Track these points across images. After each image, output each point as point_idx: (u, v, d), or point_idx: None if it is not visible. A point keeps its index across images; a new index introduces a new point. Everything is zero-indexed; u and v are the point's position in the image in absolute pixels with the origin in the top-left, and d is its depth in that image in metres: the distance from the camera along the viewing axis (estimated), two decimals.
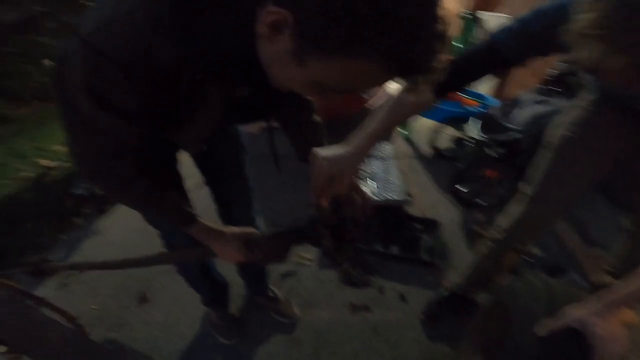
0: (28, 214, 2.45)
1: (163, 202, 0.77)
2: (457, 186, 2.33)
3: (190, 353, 1.51)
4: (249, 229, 0.86)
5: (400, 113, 0.88)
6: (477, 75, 0.94)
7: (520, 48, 0.86)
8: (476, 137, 2.27)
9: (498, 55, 0.88)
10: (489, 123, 2.28)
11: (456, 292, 1.59)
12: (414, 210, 2.28)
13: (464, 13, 3.94)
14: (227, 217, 1.28)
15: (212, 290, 1.47)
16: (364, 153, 0.83)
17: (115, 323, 1.63)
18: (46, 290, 1.82)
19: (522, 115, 2.25)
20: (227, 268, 1.72)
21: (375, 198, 2.13)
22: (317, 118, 0.97)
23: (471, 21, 3.84)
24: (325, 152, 0.82)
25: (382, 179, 2.36)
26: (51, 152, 3.29)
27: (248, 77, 0.63)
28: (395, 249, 1.98)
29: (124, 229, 2.19)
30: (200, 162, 1.16)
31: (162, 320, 1.64)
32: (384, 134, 0.90)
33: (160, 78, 0.56)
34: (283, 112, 0.97)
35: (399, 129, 3.35)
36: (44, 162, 3.18)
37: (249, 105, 0.80)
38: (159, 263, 1.18)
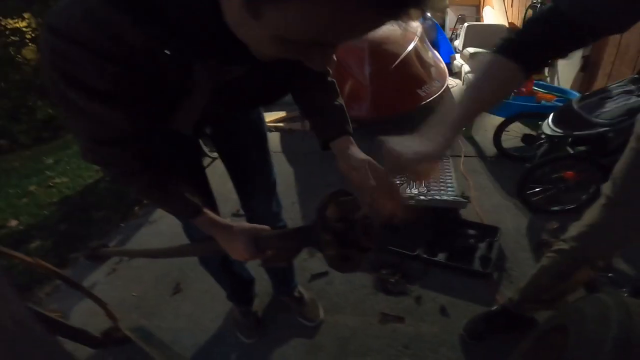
0: (100, 204, 2.73)
1: (167, 191, 0.74)
2: (526, 189, 2.02)
3: (208, 348, 1.50)
4: (260, 226, 0.80)
5: (484, 98, 0.70)
6: (555, 46, 0.66)
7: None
8: (552, 133, 1.99)
9: (564, 17, 0.61)
10: (569, 117, 1.98)
11: (509, 308, 1.34)
12: (470, 215, 2.04)
13: (534, 2, 3.54)
14: (249, 211, 1.24)
15: (234, 285, 1.44)
16: (447, 147, 0.71)
17: (148, 311, 1.71)
18: (99, 274, 1.99)
19: (612, 108, 1.90)
20: (255, 264, 1.71)
21: (422, 198, 1.93)
22: (339, 101, 0.87)
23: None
24: (402, 145, 0.70)
25: (434, 178, 2.15)
26: None
27: (226, 51, 0.56)
28: (443, 256, 1.77)
29: (173, 219, 2.29)
30: (222, 152, 1.13)
31: (189, 312, 1.66)
32: (466, 124, 0.77)
33: (133, 57, 0.54)
34: (296, 95, 0.89)
35: None
36: None
37: (249, 88, 0.74)
38: (169, 256, 1.18)
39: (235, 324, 1.53)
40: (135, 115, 0.62)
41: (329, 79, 0.87)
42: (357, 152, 0.79)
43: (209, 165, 2.88)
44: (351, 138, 0.83)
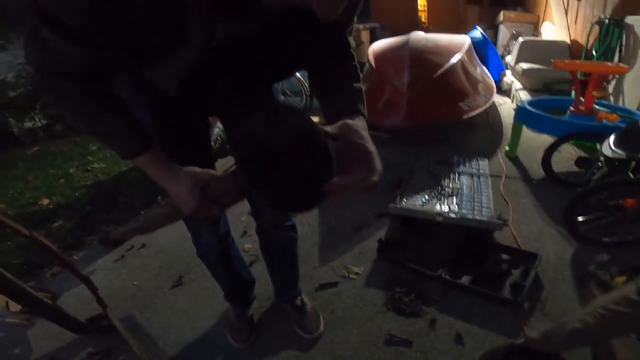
0: (127, 190, 2.80)
1: (109, 123, 0.65)
2: (575, 216, 1.79)
3: (193, 347, 1.42)
4: (211, 172, 0.70)
5: None
6: None
7: None
8: (613, 155, 1.77)
9: None
10: (635, 138, 1.76)
11: (538, 344, 1.12)
12: (506, 239, 1.84)
13: (602, 18, 3.26)
14: (256, 203, 1.16)
15: (232, 284, 1.36)
16: None
17: (144, 302, 1.66)
18: (108, 259, 1.99)
19: None
20: (260, 267, 1.62)
21: (451, 215, 1.75)
22: (359, 85, 0.77)
23: (611, 27, 3.15)
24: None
25: (467, 196, 1.97)
26: None
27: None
28: (467, 280, 1.59)
29: None
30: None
31: (185, 308, 1.60)
32: None
33: None
34: (312, 71, 0.81)
35: (504, 147, 2.84)
36: None
37: (255, 56, 0.68)
38: (140, 232, 1.10)
39: (229, 326, 1.43)
40: (99, 55, 0.57)
41: (353, 62, 0.79)
42: (369, 138, 0.67)
43: (233, 166, 2.87)
44: (365, 122, 0.71)
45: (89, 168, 3.31)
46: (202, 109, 0.92)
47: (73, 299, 1.70)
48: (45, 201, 2.74)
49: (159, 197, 2.62)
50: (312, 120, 0.60)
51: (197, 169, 0.68)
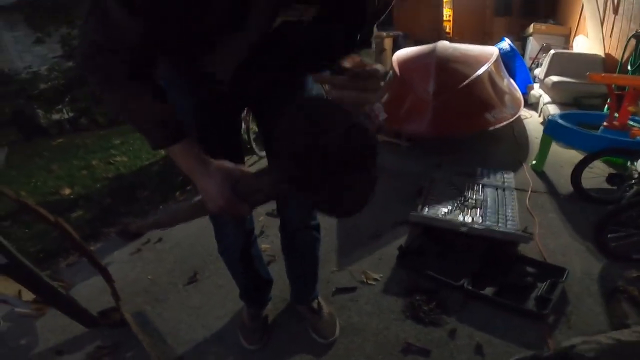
0: (147, 184, 2.83)
1: (149, 108, 0.63)
2: (606, 232, 1.72)
3: (203, 346, 1.39)
4: (244, 169, 0.67)
5: None
6: None
7: None
8: None
9: None
10: None
11: (563, 356, 1.05)
12: (531, 253, 1.78)
13: (638, 31, 3.18)
14: (281, 205, 1.15)
15: (250, 282, 1.33)
16: None
17: (156, 297, 1.65)
18: (124, 252, 1.99)
19: None
20: (276, 268, 1.60)
21: (475, 226, 1.71)
22: None
23: None
24: None
25: (491, 208, 1.94)
26: None
27: None
28: (491, 291, 1.54)
29: None
30: (266, 131, 1.05)
31: (197, 305, 1.57)
32: None
33: None
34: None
35: (530, 161, 2.76)
36: None
37: (307, 40, 0.67)
38: (160, 226, 1.09)
39: (241, 326, 1.40)
40: (159, 31, 0.56)
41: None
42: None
43: (254, 164, 2.87)
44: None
45: (111, 161, 3.38)
46: (241, 99, 0.91)
47: (85, 290, 1.70)
48: (67, 191, 2.79)
49: (177, 193, 2.63)
50: (356, 114, 0.57)
51: (229, 164, 0.66)
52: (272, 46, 0.65)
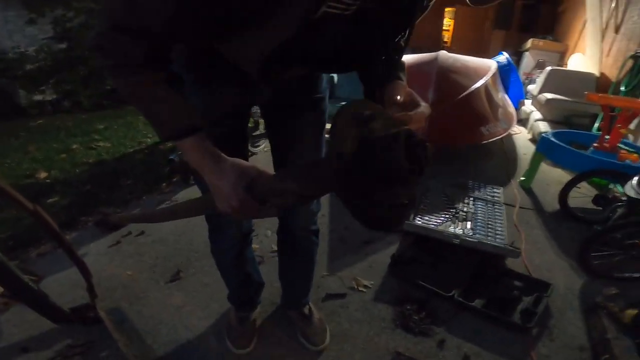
0: (130, 173, 2.72)
1: (162, 97, 0.59)
2: (590, 252, 1.79)
3: (186, 348, 1.32)
4: (261, 170, 0.62)
5: None
6: None
7: None
8: (634, 196, 1.78)
9: None
10: None
11: None
12: (517, 267, 1.81)
13: (638, 52, 3.27)
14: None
15: (241, 285, 1.27)
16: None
17: (135, 294, 1.56)
18: (102, 244, 1.89)
19: None
20: (265, 270, 1.54)
21: (468, 239, 1.71)
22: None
23: None
24: None
25: (482, 222, 1.96)
26: None
27: None
28: (480, 303, 1.55)
29: None
30: (273, 128, 0.99)
31: (180, 305, 1.50)
32: None
33: None
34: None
35: (519, 177, 2.80)
36: None
37: (342, 38, 0.64)
38: (176, 217, 1.03)
39: (228, 329, 1.34)
40: (186, 13, 0.52)
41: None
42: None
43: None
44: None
45: (93, 146, 3.23)
46: (257, 95, 0.85)
47: (56, 283, 1.59)
48: (43, 174, 2.64)
49: (164, 184, 2.54)
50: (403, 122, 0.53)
51: (244, 162, 0.61)
52: (309, 38, 0.60)
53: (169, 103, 0.59)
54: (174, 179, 2.60)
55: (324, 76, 0.93)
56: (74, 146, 3.20)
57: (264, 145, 3.23)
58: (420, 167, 0.48)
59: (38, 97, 4.54)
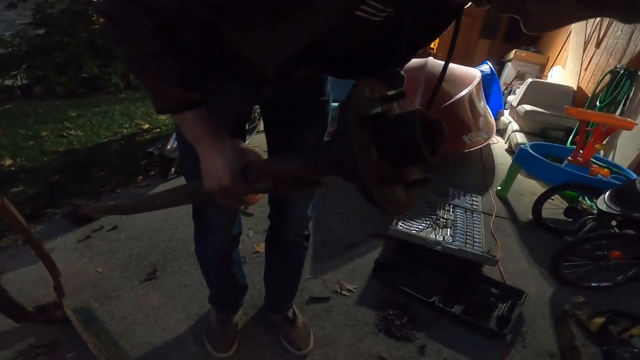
0: (104, 164, 2.58)
1: (166, 68, 0.55)
2: (562, 262, 1.87)
3: (162, 351, 1.26)
4: (255, 149, 0.60)
5: None
6: None
7: None
8: (607, 210, 1.87)
9: None
10: (629, 197, 1.86)
11: None
12: (492, 275, 1.86)
13: (618, 67, 3.39)
14: (279, 206, 1.06)
15: (224, 287, 1.23)
16: None
17: (106, 293, 1.47)
18: (70, 238, 1.78)
19: None
20: (254, 270, 1.51)
21: (450, 246, 1.74)
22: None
23: (624, 78, 3.26)
24: None
25: (461, 229, 2.01)
26: (155, 118, 3.63)
27: None
28: (459, 309, 1.59)
29: None
30: (273, 130, 0.96)
31: (156, 305, 1.43)
32: None
33: None
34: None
35: (496, 186, 2.89)
36: (140, 122, 3.51)
37: (373, 46, 0.62)
38: (147, 208, 0.97)
39: (208, 331, 1.29)
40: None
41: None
42: None
43: None
44: None
45: (64, 134, 3.05)
46: (261, 94, 0.82)
47: (18, 280, 1.48)
48: (8, 161, 2.47)
49: (140, 177, 2.43)
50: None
51: (245, 145, 0.59)
52: (334, 40, 0.58)
53: (173, 74, 0.55)
54: (152, 173, 2.49)
55: (330, 79, 0.90)
56: (44, 133, 3.01)
57: (248, 142, 3.16)
58: (435, 145, 0.48)
59: (8, 82, 4.30)
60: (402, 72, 0.76)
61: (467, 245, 1.83)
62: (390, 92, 0.50)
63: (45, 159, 2.59)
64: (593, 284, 1.86)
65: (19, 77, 4.40)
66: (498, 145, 4.05)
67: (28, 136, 2.93)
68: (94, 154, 2.76)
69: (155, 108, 0.58)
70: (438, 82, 0.67)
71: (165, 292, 1.49)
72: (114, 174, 2.46)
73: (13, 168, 2.42)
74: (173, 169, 2.42)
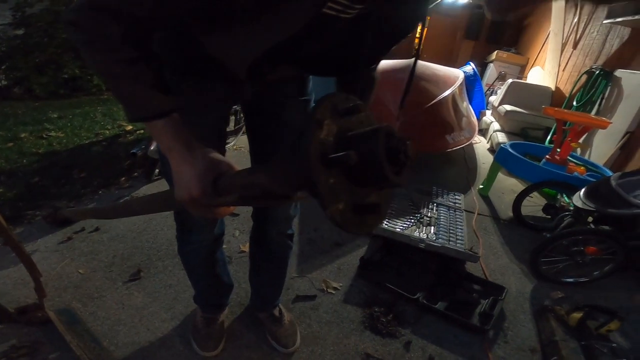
0: (86, 165, 2.54)
1: (137, 74, 0.54)
2: (540, 257, 1.92)
3: (147, 351, 1.24)
4: (232, 165, 0.58)
5: None
6: None
7: None
8: (583, 206, 1.94)
9: None
10: (605, 193, 1.93)
11: None
12: (475, 271, 1.89)
13: (594, 68, 3.49)
14: (262, 211, 1.07)
15: (209, 286, 1.22)
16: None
17: (89, 294, 1.45)
18: (51, 240, 1.75)
19: None
20: (232, 270, 1.50)
21: (433, 243, 1.77)
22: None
23: (600, 78, 3.36)
24: None
25: (444, 227, 2.03)
26: None
27: None
28: (443, 305, 1.61)
29: None
30: (255, 129, 0.95)
31: (140, 305, 1.42)
32: None
33: None
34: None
35: (478, 185, 2.96)
36: (123, 124, 3.45)
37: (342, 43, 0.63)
38: (129, 214, 0.96)
39: (194, 331, 1.28)
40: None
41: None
42: None
43: None
44: None
45: (44, 135, 2.98)
46: (236, 90, 0.82)
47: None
48: None
49: (123, 179, 2.39)
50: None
51: (217, 154, 0.58)
52: (304, 39, 0.59)
53: (143, 82, 0.54)
54: (135, 174, 2.46)
55: (311, 78, 0.91)
56: (23, 135, 2.93)
57: (233, 143, 3.15)
58: (400, 166, 0.45)
59: None
60: (374, 74, 0.77)
61: (450, 242, 1.85)
62: (349, 105, 0.48)
63: (24, 160, 2.53)
64: (571, 280, 1.90)
65: None
66: (480, 144, 4.13)
67: (6, 138, 2.86)
68: (75, 156, 2.70)
69: (127, 117, 0.57)
70: (408, 81, 0.69)
71: (149, 293, 1.48)
72: (96, 175, 2.42)
73: None
74: (157, 170, 2.39)
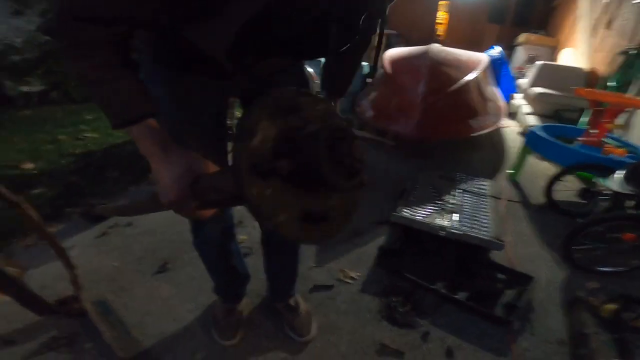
0: (118, 164, 2.68)
1: (116, 80, 0.55)
2: (573, 244, 1.81)
3: (173, 340, 1.31)
4: (207, 162, 0.59)
5: None
6: None
7: None
8: (622, 190, 1.81)
9: None
10: None
11: None
12: (501, 260, 1.83)
13: (628, 48, 3.27)
14: None
15: (226, 277, 1.27)
16: None
17: (121, 286, 1.54)
18: (88, 236, 1.86)
19: None
20: (252, 262, 1.55)
21: (454, 231, 1.72)
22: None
23: (637, 59, 3.14)
24: None
25: (468, 214, 1.96)
26: None
27: None
28: (463, 295, 1.57)
29: None
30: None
31: (167, 297, 1.49)
32: None
33: None
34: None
35: (507, 170, 2.85)
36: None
37: (308, 30, 0.63)
38: (122, 213, 1.00)
39: (215, 321, 1.34)
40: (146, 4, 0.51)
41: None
42: None
43: None
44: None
45: (80, 137, 3.18)
46: (229, 85, 0.83)
47: (41, 275, 1.57)
48: (29, 165, 2.59)
49: (150, 175, 2.51)
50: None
51: (195, 157, 0.59)
52: (276, 20, 0.57)
53: (124, 86, 0.55)
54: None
55: (305, 70, 0.91)
56: (61, 137, 3.14)
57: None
58: (349, 170, 0.40)
59: (24, 88, 4.47)
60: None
61: (474, 230, 1.79)
62: (293, 102, 0.44)
63: (63, 161, 2.71)
64: (607, 269, 1.80)
65: (34, 82, 4.56)
66: (510, 129, 3.96)
67: (47, 140, 3.07)
68: (108, 155, 2.86)
69: (110, 124, 0.58)
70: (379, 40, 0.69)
71: (175, 284, 1.56)
72: (127, 174, 2.55)
73: (34, 171, 2.55)
74: None
